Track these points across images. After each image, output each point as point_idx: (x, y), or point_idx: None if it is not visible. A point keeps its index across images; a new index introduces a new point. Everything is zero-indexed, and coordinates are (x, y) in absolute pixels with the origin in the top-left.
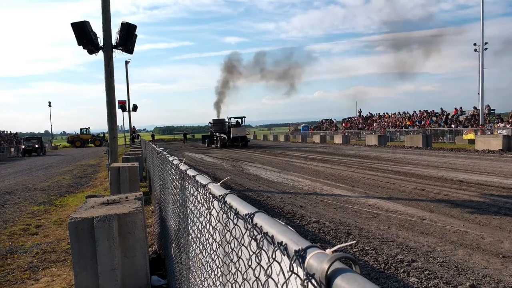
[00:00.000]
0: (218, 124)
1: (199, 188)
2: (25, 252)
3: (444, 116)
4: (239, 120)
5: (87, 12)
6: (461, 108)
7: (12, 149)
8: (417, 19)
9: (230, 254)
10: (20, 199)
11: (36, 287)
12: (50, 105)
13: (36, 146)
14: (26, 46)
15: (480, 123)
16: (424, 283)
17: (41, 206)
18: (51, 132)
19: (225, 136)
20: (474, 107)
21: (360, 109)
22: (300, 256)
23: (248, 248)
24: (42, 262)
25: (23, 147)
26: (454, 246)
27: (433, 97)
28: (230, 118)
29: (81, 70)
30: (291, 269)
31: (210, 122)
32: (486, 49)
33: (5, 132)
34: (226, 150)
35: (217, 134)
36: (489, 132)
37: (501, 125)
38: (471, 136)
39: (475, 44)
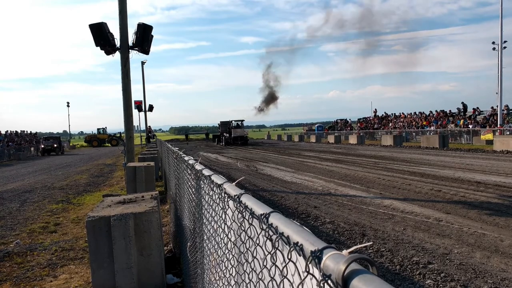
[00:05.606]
0: (224, 125)
1: (215, 188)
2: (44, 249)
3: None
4: (239, 122)
5: (106, 14)
6: (477, 108)
7: (32, 149)
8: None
9: (245, 254)
10: (39, 198)
11: (55, 284)
12: (68, 106)
13: (55, 145)
14: (47, 47)
15: (498, 123)
16: (441, 285)
17: (59, 205)
18: (69, 132)
19: (228, 135)
20: (492, 107)
21: (375, 109)
22: (316, 257)
23: (263, 248)
24: (60, 259)
25: (42, 146)
26: (471, 249)
27: (451, 96)
28: (232, 121)
29: (99, 71)
30: (307, 270)
31: (218, 124)
32: (505, 47)
33: (25, 132)
34: (241, 150)
35: (224, 133)
36: (508, 133)
37: None
38: (489, 136)
39: (493, 43)
